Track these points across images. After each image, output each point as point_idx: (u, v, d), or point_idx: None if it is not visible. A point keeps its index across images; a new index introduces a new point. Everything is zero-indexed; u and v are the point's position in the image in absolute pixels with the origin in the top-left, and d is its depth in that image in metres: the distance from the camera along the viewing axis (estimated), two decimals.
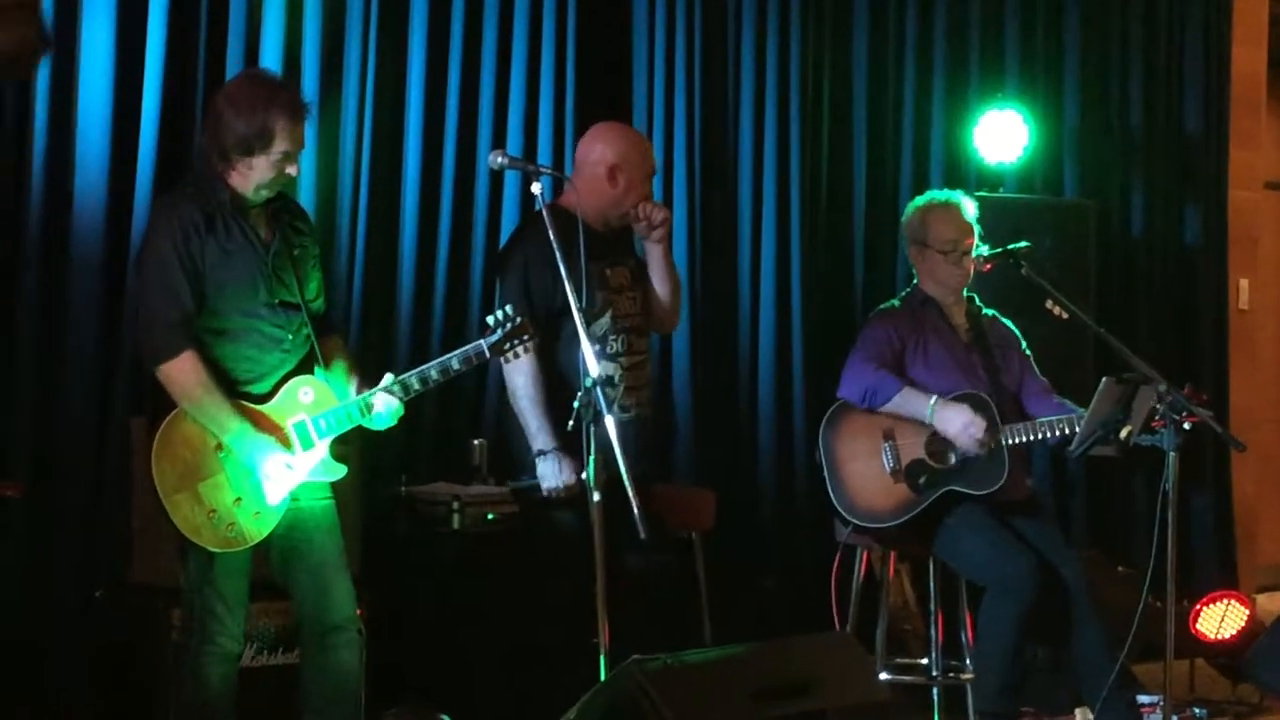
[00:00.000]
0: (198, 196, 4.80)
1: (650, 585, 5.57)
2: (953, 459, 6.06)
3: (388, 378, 4.91)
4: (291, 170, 4.83)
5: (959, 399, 6.06)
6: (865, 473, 6.14)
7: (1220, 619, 7.20)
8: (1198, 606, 7.22)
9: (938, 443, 6.07)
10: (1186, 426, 5.63)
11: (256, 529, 4.79)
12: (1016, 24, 8.36)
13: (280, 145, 4.75)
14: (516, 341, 4.89)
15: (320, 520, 4.95)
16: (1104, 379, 5.78)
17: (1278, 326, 11.27)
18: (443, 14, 6.67)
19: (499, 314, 4.89)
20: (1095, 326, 6.20)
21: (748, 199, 7.51)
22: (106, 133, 5.85)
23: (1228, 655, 7.16)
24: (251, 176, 4.79)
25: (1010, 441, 6.03)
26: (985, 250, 6.26)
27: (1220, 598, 7.29)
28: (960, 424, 6.00)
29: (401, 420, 5.01)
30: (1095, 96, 8.64)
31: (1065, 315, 6.11)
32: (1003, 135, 7.98)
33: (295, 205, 5.18)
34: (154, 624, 5.31)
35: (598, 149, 5.62)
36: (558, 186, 6.15)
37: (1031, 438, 6.06)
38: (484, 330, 4.91)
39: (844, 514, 6.14)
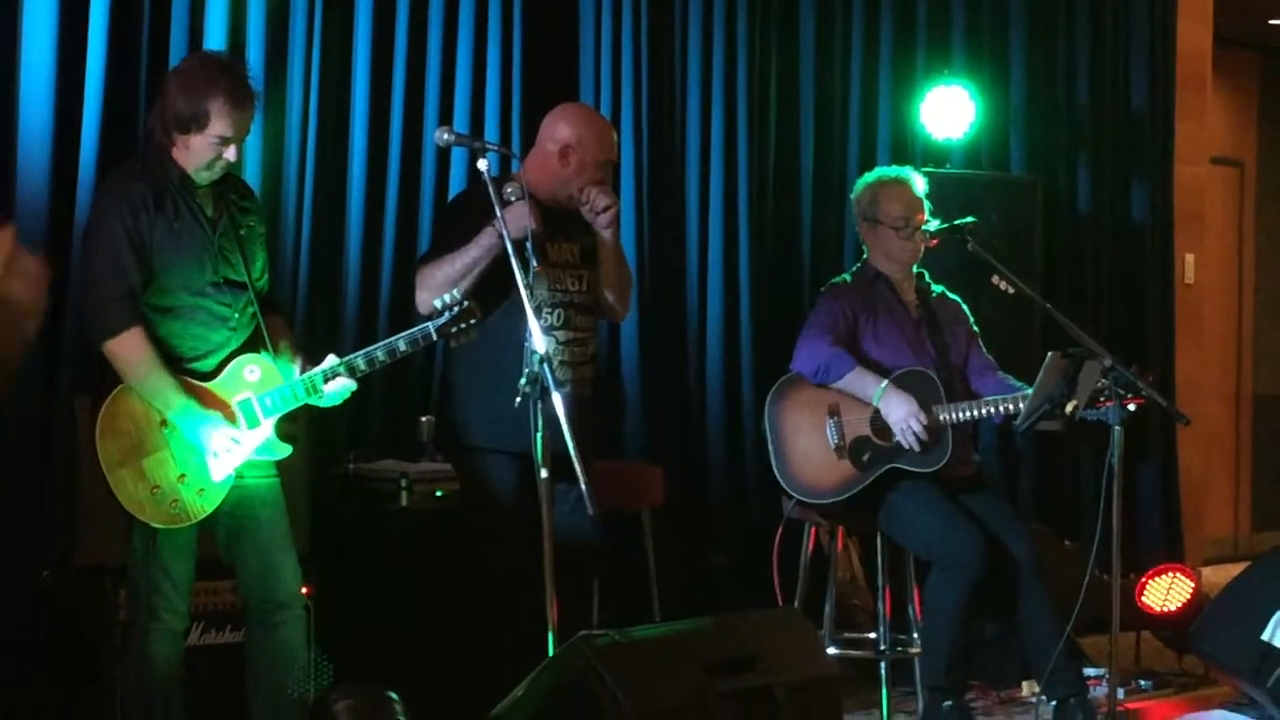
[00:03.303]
0: (146, 174, 4.80)
1: (598, 560, 5.59)
2: (896, 437, 6.08)
3: (331, 358, 4.91)
4: (229, 155, 4.82)
5: (906, 376, 6.08)
6: (809, 447, 6.16)
7: (1165, 592, 7.25)
8: (1143, 580, 7.28)
9: (883, 420, 6.08)
10: (1131, 408, 5.67)
11: (201, 505, 4.78)
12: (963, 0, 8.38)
13: (216, 128, 4.75)
14: (463, 325, 4.88)
15: (266, 498, 4.95)
16: (1050, 354, 5.81)
17: (1224, 301, 11.39)
18: None
19: (446, 297, 4.88)
20: (1042, 301, 6.23)
21: (695, 175, 7.51)
22: (49, 116, 5.79)
23: (1173, 628, 7.21)
24: (189, 156, 4.80)
25: (954, 419, 6.05)
26: (933, 226, 6.27)
27: (1166, 571, 7.35)
28: (902, 414, 6.01)
29: (349, 398, 5.00)
30: (1042, 72, 8.68)
31: (1012, 290, 6.13)
32: (949, 111, 8.00)
33: (242, 184, 5.18)
34: (102, 604, 5.28)
35: (558, 127, 5.62)
36: (504, 163, 6.14)
37: (975, 415, 6.08)
38: (431, 313, 4.91)
39: (787, 489, 6.16)
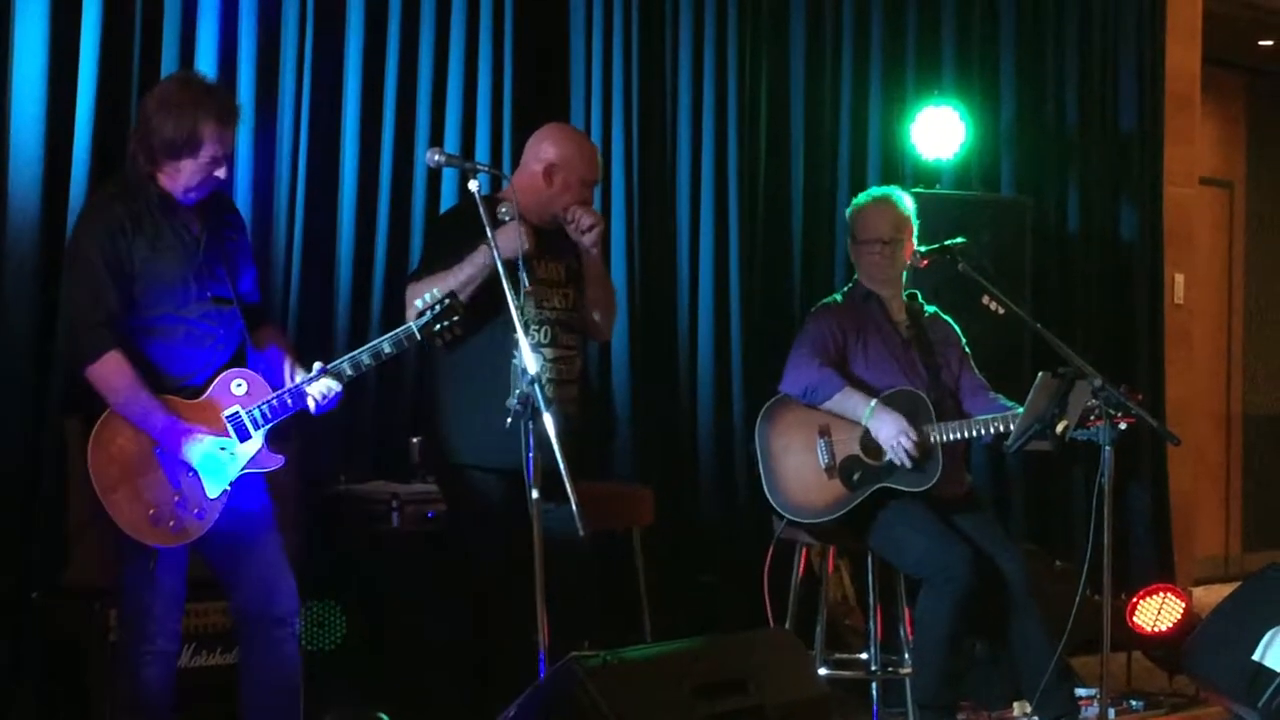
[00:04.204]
0: (124, 196, 4.78)
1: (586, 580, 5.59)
2: (887, 456, 6.08)
3: (317, 366, 4.90)
4: (220, 173, 4.82)
5: (896, 396, 6.09)
6: (800, 467, 6.17)
7: (1157, 612, 7.25)
8: (1134, 599, 7.27)
9: (873, 439, 6.09)
10: (1122, 427, 5.68)
11: (198, 524, 4.77)
12: (953, 20, 8.40)
13: (208, 150, 4.75)
14: (447, 323, 4.88)
15: (261, 518, 4.94)
16: (1040, 374, 5.81)
17: (1213, 321, 11.40)
18: (379, 11, 6.65)
19: (427, 296, 4.88)
20: (1032, 322, 6.22)
21: (685, 195, 7.51)
22: (40, 133, 5.79)
23: (1164, 648, 7.21)
24: (179, 179, 4.79)
25: (944, 439, 6.06)
26: (922, 247, 6.30)
27: (1157, 591, 7.35)
28: (892, 431, 6.02)
29: (339, 418, 5.00)
30: (1031, 93, 8.69)
31: (1002, 311, 6.14)
32: (940, 131, 8.02)
33: (225, 198, 5.16)
34: (92, 625, 5.27)
35: (542, 146, 5.65)
36: (495, 184, 6.14)
37: (966, 435, 6.09)
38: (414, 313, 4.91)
39: (778, 509, 6.17)
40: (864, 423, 6.07)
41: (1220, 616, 6.59)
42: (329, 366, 4.89)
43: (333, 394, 4.90)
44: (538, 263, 5.50)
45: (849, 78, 8.08)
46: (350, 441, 6.45)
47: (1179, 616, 7.24)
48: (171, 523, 4.74)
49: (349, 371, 4.90)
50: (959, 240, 6.26)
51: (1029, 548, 7.59)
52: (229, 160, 4.86)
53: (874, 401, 6.06)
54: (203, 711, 5.20)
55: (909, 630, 6.30)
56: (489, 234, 4.94)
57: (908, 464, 6.01)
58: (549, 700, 4.18)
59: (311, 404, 4.89)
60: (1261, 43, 11.09)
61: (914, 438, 6.00)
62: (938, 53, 8.37)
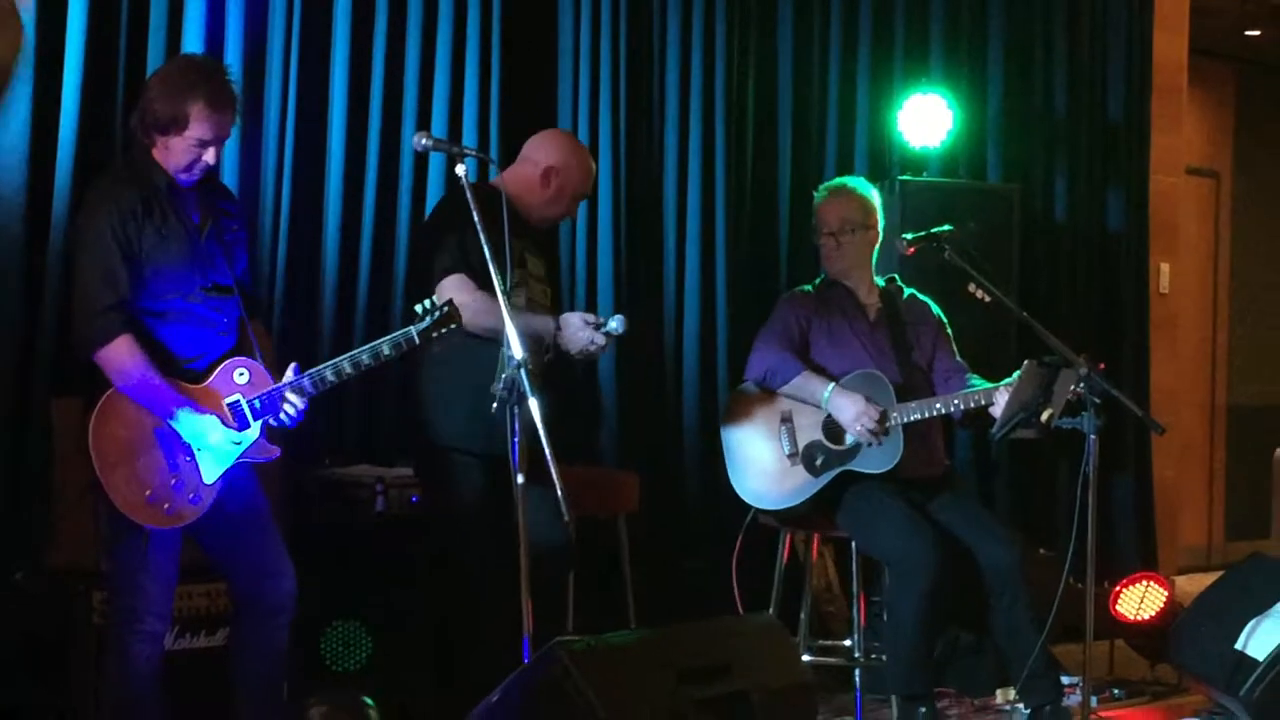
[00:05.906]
0: (134, 181, 4.82)
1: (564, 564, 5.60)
2: (849, 440, 6.10)
3: (327, 366, 4.91)
4: (209, 158, 4.84)
5: (856, 379, 6.11)
6: (762, 455, 6.21)
7: (1139, 600, 7.27)
8: (1117, 588, 7.29)
9: (835, 424, 6.10)
10: (1097, 401, 5.69)
11: (192, 509, 4.79)
12: (941, 8, 8.39)
13: (195, 131, 4.78)
14: (445, 330, 4.90)
15: (256, 506, 4.98)
16: (1026, 362, 5.83)
17: (1198, 311, 11.43)
18: None
19: (427, 302, 4.90)
20: (1018, 310, 6.25)
21: (672, 183, 7.50)
22: (26, 119, 5.76)
23: (1147, 636, 7.23)
24: (169, 157, 4.83)
25: (904, 420, 6.07)
26: (908, 234, 6.31)
27: (1140, 579, 7.37)
28: (853, 413, 6.04)
29: (325, 402, 5.01)
30: (1019, 81, 8.69)
31: (988, 299, 6.15)
32: (927, 119, 8.00)
33: (222, 187, 5.22)
34: (76, 607, 5.27)
35: (545, 149, 5.73)
36: (482, 168, 6.14)
37: (926, 415, 6.09)
38: (412, 317, 4.92)
39: (743, 497, 6.20)
40: (823, 406, 6.09)
41: (1203, 605, 6.61)
42: (330, 363, 4.90)
43: (301, 407, 4.90)
44: (528, 256, 5.53)
45: (836, 65, 8.07)
46: (336, 424, 6.44)
47: (1162, 605, 7.27)
48: (167, 505, 4.76)
49: (348, 369, 4.91)
50: (945, 228, 6.26)
51: (1012, 535, 7.60)
52: (219, 145, 4.86)
53: (831, 385, 6.08)
54: (185, 694, 5.19)
55: None
56: (476, 220, 4.93)
57: (874, 442, 6.03)
58: (533, 684, 4.19)
59: (292, 411, 4.89)
60: (1249, 33, 11.10)
61: (875, 417, 6.01)
62: (925, 40, 8.36)
